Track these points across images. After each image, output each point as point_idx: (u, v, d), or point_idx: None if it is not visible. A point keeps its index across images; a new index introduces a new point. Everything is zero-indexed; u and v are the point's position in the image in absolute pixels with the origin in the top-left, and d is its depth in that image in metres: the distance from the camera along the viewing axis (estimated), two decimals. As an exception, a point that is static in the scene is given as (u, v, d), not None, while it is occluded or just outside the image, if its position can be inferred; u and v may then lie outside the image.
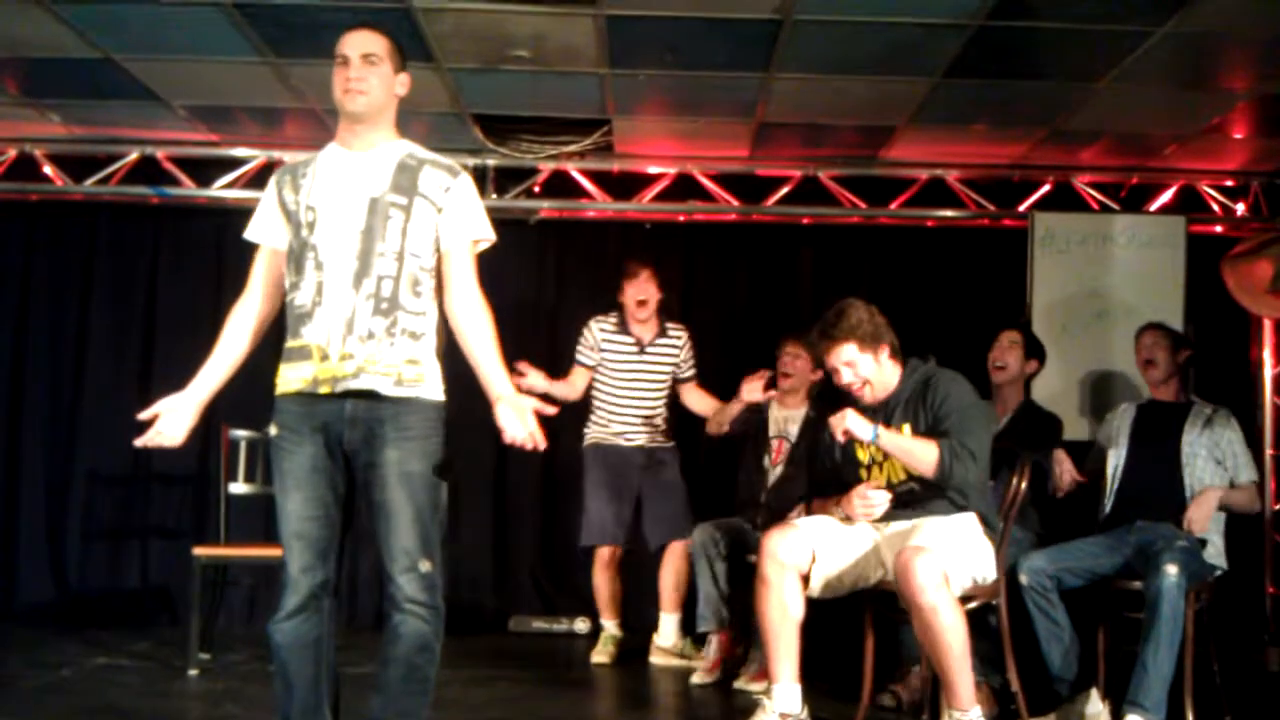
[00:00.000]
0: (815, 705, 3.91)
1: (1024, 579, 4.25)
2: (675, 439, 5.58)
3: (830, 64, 4.91)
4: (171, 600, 6.20)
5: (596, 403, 5.51)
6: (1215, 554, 4.44)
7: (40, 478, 6.34)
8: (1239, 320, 6.21)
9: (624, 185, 6.31)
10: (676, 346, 5.53)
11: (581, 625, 6.13)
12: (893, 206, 6.27)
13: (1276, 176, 6.17)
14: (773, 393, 5.21)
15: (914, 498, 3.88)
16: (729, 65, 4.95)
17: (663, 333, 5.50)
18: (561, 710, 4.60)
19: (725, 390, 5.44)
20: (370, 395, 2.93)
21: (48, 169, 6.18)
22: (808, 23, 4.48)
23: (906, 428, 3.90)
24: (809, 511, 4.20)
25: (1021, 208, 6.22)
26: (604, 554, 5.46)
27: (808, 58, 4.83)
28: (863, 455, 4.00)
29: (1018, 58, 4.80)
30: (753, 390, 5.12)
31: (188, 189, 6.19)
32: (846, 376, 3.98)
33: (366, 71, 3.00)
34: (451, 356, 3.06)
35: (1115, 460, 4.68)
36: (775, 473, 5.18)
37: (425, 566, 2.92)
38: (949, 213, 6.26)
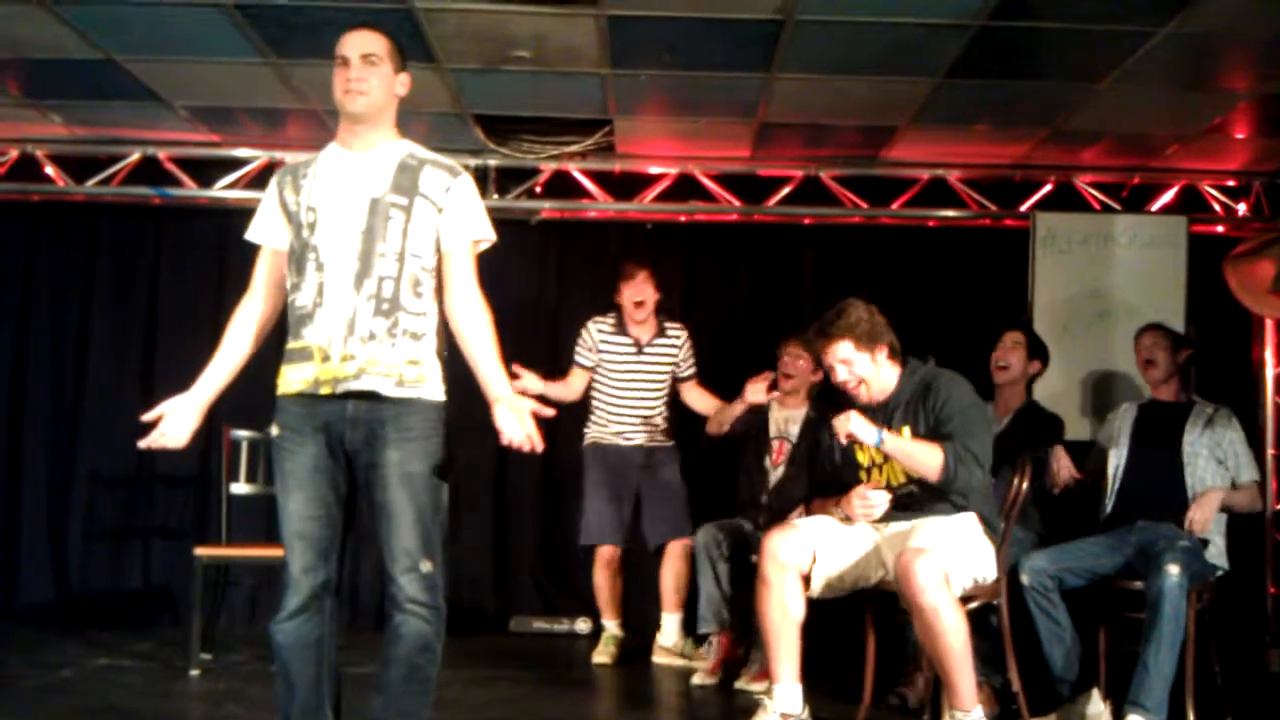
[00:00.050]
0: (816, 705, 3.91)
1: (1025, 579, 4.25)
2: (676, 439, 5.58)
3: (832, 64, 4.91)
4: (173, 600, 6.20)
5: (595, 403, 5.52)
6: (1217, 554, 4.44)
7: (42, 478, 6.34)
8: (1240, 320, 6.21)
9: (625, 185, 6.31)
10: (675, 346, 5.53)
11: (582, 625, 6.14)
12: (894, 206, 6.27)
13: (1278, 176, 6.16)
14: (776, 394, 5.22)
15: (914, 500, 3.88)
16: (730, 65, 4.95)
17: (661, 333, 5.50)
18: (562, 711, 4.60)
19: (726, 391, 5.44)
20: (371, 396, 2.93)
21: (49, 169, 6.18)
22: (809, 23, 4.48)
23: (907, 430, 3.90)
24: (808, 512, 4.20)
25: (1023, 208, 6.21)
26: (604, 554, 5.46)
27: (809, 58, 4.83)
28: (862, 458, 3.99)
29: (1019, 58, 4.80)
30: (756, 391, 5.12)
31: (189, 189, 6.20)
32: (842, 374, 3.97)
33: (366, 72, 2.99)
34: (453, 357, 3.06)
35: (1116, 460, 4.68)
36: (776, 473, 5.18)
37: (426, 567, 2.92)
38: (950, 213, 6.26)
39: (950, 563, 3.66)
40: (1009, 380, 4.97)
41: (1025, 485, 4.07)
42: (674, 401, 5.58)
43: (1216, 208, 6.29)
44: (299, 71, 5.08)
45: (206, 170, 6.21)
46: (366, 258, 2.95)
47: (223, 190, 6.18)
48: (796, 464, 5.04)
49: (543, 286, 6.52)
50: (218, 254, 6.32)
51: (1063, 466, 4.74)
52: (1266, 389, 6.25)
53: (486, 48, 4.80)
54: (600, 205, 6.29)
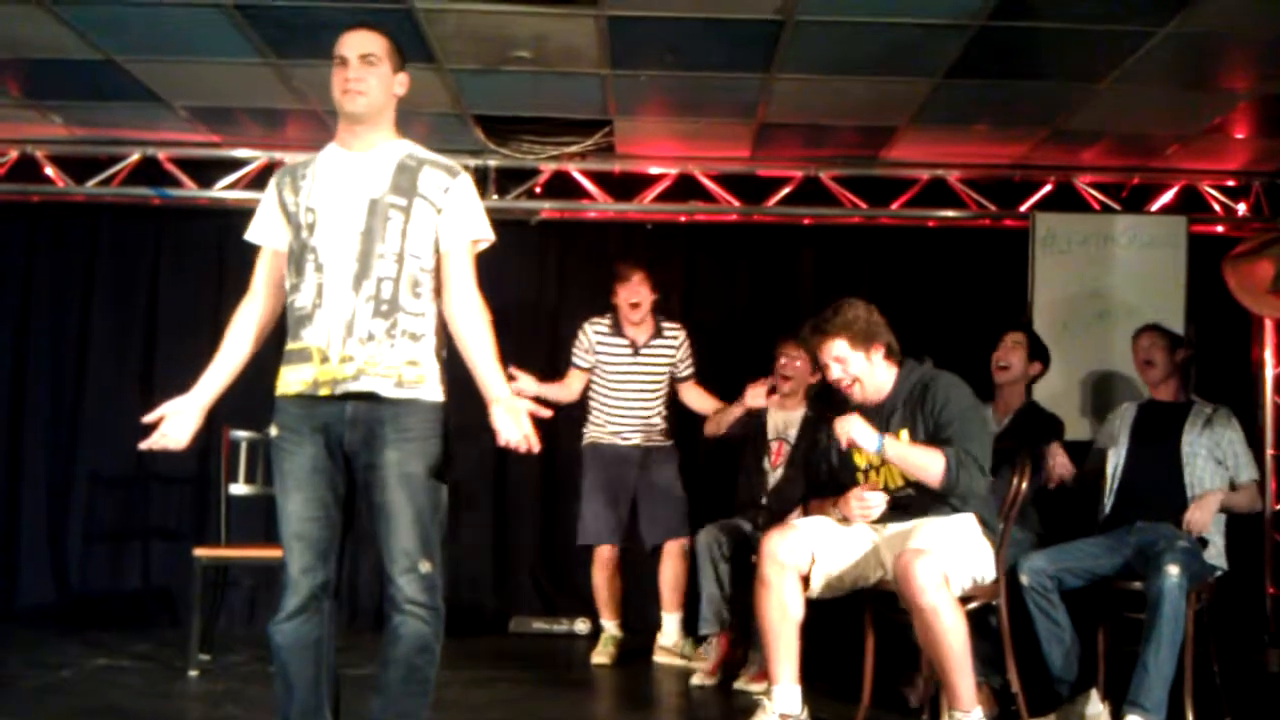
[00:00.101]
0: (815, 706, 3.91)
1: (1025, 579, 4.25)
2: (674, 439, 5.57)
3: (831, 64, 4.91)
4: (172, 601, 6.19)
5: (593, 404, 5.52)
6: (1216, 554, 4.44)
7: (42, 479, 6.34)
8: (1240, 320, 6.21)
9: (625, 186, 6.31)
10: (673, 347, 5.53)
11: (582, 626, 6.13)
12: (894, 207, 6.27)
13: (1278, 176, 6.16)
14: (774, 399, 5.22)
15: (911, 502, 3.88)
16: (730, 66, 4.95)
17: (658, 333, 5.50)
18: (562, 711, 4.60)
19: (726, 391, 5.44)
20: (370, 397, 2.93)
21: (49, 170, 6.18)
22: (809, 23, 4.48)
23: (905, 434, 3.89)
24: (806, 512, 4.20)
25: (1023, 208, 6.21)
26: (603, 553, 5.46)
27: (809, 58, 4.83)
28: (860, 459, 3.99)
29: (1019, 58, 4.80)
30: (756, 396, 5.14)
31: (189, 190, 6.19)
32: (835, 372, 3.97)
33: (365, 72, 2.99)
34: (451, 358, 3.06)
35: (1115, 460, 4.68)
36: (775, 475, 5.18)
37: (425, 567, 2.92)
38: (950, 213, 6.26)
39: (949, 563, 3.66)
40: (1009, 380, 4.97)
41: (1024, 485, 4.07)
42: (673, 402, 5.58)
43: (1216, 208, 6.29)
44: (299, 72, 5.08)
45: (206, 171, 6.21)
46: (365, 258, 2.94)
47: (223, 191, 6.18)
48: (795, 465, 5.04)
49: (542, 287, 6.52)
50: (218, 254, 6.31)
51: (1058, 462, 4.74)
52: (1266, 389, 6.25)
53: (486, 48, 4.80)
54: (600, 206, 6.28)
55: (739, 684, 4.81)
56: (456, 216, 3.03)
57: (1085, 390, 5.90)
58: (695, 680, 4.95)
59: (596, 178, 6.28)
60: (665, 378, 5.52)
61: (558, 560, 6.32)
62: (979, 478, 3.79)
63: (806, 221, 6.37)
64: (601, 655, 5.42)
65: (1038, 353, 5.03)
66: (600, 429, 5.50)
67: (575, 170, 6.25)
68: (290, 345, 3.00)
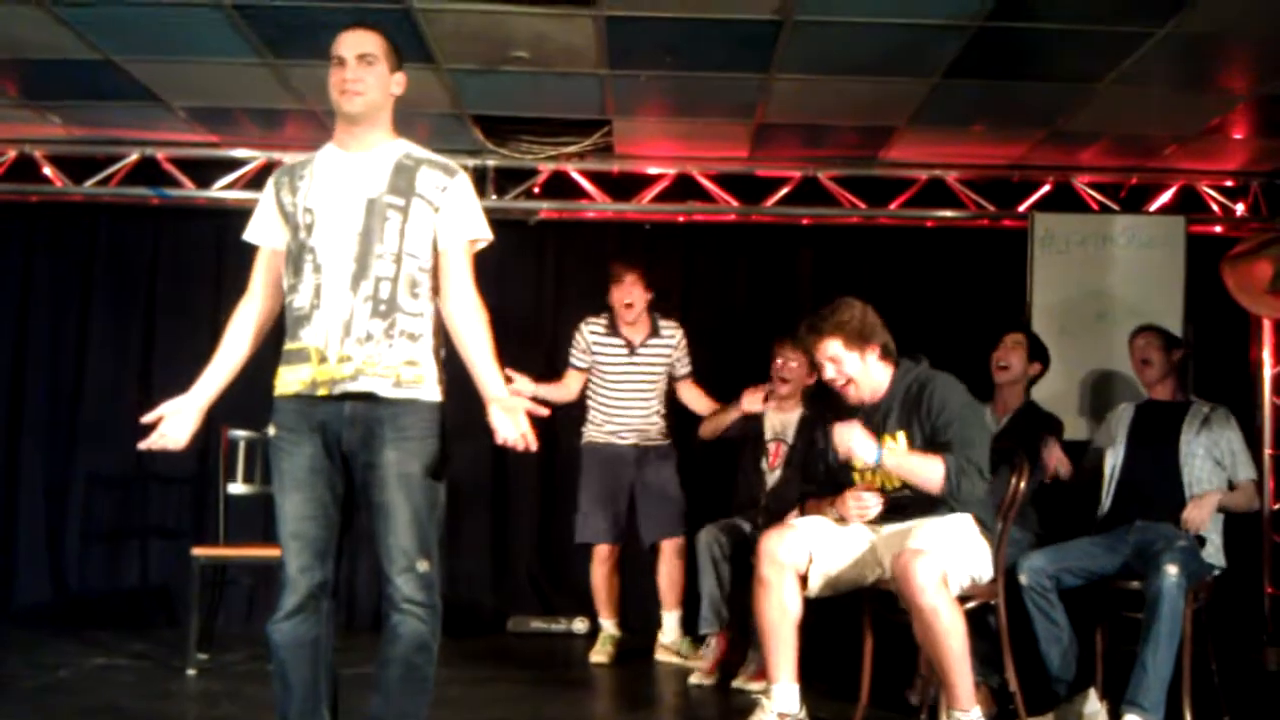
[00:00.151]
0: (814, 705, 3.91)
1: (1023, 579, 4.26)
2: (673, 438, 5.57)
3: (830, 65, 4.91)
4: (170, 600, 6.19)
5: (591, 404, 5.52)
6: (1214, 552, 4.44)
7: (39, 478, 6.33)
8: (1239, 320, 6.21)
9: (624, 186, 6.31)
10: (670, 346, 5.52)
11: (580, 625, 6.13)
12: (892, 207, 6.27)
13: (1276, 177, 6.17)
14: (771, 404, 5.23)
15: (908, 502, 3.87)
16: (729, 66, 4.95)
17: (655, 333, 5.50)
18: (560, 710, 4.61)
19: (724, 391, 5.44)
20: (369, 397, 2.93)
21: (48, 170, 6.18)
22: (807, 24, 4.48)
23: (902, 437, 3.89)
24: (803, 512, 4.20)
25: (1021, 208, 6.22)
26: (601, 552, 5.46)
27: (807, 59, 4.83)
28: (857, 460, 3.98)
29: (1017, 59, 4.80)
30: (754, 400, 5.16)
31: (188, 190, 6.19)
32: (830, 372, 3.97)
33: (362, 72, 2.99)
34: (450, 357, 3.06)
35: (1114, 460, 4.69)
36: (773, 476, 5.18)
37: (423, 566, 2.92)
38: (949, 213, 6.26)
39: (948, 563, 3.65)
40: (1009, 380, 4.97)
41: (1023, 486, 4.07)
42: (671, 401, 5.58)
43: (1214, 208, 6.29)
44: (297, 72, 5.08)
45: (205, 171, 6.21)
46: (363, 259, 2.94)
47: (221, 191, 6.18)
48: (793, 466, 5.04)
49: (541, 287, 6.52)
50: (216, 254, 6.31)
51: (1055, 458, 4.75)
52: (1264, 389, 6.25)
53: (485, 48, 4.80)
54: (598, 206, 6.29)
55: (737, 683, 4.81)
56: (454, 216, 3.03)
57: (1084, 390, 5.91)
58: (694, 679, 4.95)
59: (595, 178, 6.28)
60: (662, 377, 5.52)
61: (556, 559, 6.32)
62: (979, 484, 3.79)
63: (805, 222, 6.37)
64: (600, 654, 5.42)
65: (1037, 353, 5.03)
66: (598, 429, 5.50)
67: (574, 170, 6.26)
68: (288, 345, 3.00)
